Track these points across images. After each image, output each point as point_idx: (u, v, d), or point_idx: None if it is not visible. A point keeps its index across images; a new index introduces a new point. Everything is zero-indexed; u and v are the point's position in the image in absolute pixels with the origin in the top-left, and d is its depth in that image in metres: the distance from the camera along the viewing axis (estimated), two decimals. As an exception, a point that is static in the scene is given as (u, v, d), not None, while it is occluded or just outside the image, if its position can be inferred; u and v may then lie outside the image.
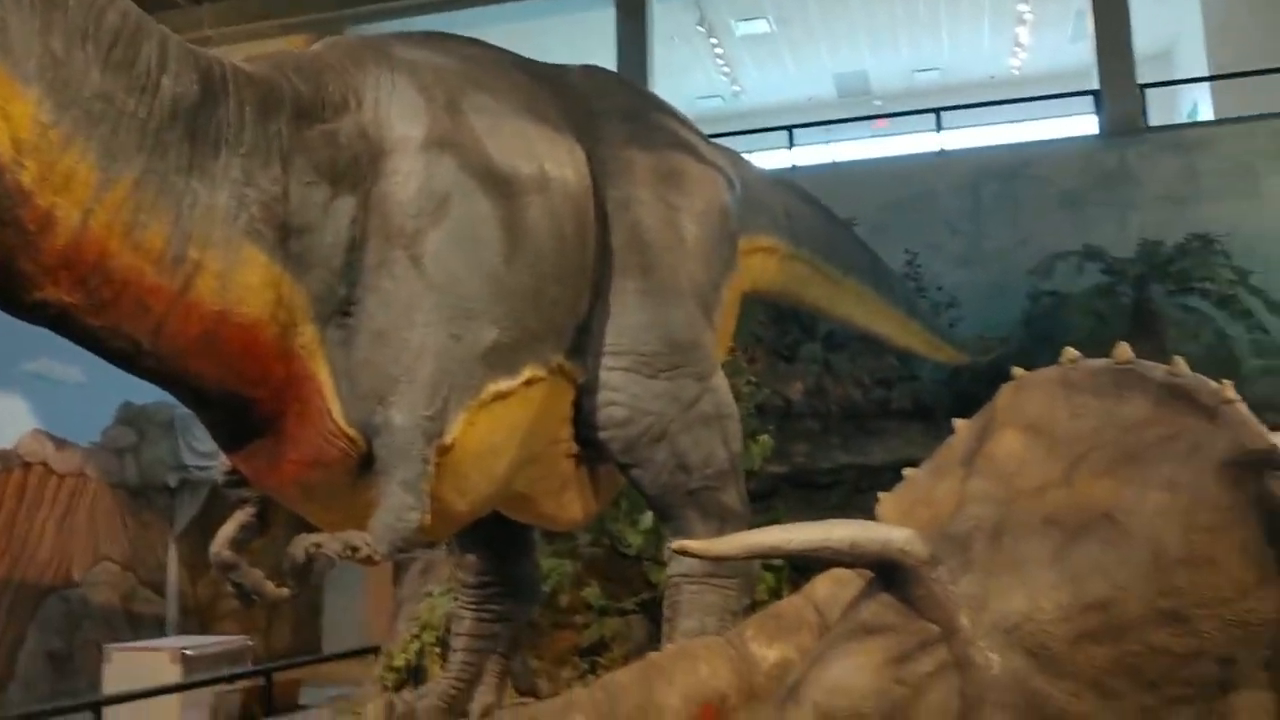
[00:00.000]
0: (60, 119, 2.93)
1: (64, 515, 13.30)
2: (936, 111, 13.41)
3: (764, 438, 8.08)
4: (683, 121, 5.18)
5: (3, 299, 3.04)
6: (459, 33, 4.52)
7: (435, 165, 3.77)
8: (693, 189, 4.79)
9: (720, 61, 17.62)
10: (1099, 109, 12.51)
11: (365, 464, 3.65)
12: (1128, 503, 2.46)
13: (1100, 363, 2.80)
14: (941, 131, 13.59)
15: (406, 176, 3.72)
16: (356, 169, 3.68)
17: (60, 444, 13.74)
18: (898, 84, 18.69)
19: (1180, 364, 2.64)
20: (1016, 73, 17.91)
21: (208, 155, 3.33)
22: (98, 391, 12.32)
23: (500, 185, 3.91)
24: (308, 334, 3.55)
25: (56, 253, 2.96)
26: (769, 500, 9.97)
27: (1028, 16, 16.01)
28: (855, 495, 10.59)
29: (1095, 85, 12.62)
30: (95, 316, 3.12)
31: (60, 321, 3.13)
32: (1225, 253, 11.28)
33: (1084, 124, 13.13)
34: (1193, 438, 2.47)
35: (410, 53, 4.09)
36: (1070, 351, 2.92)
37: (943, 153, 13.24)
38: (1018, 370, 3.05)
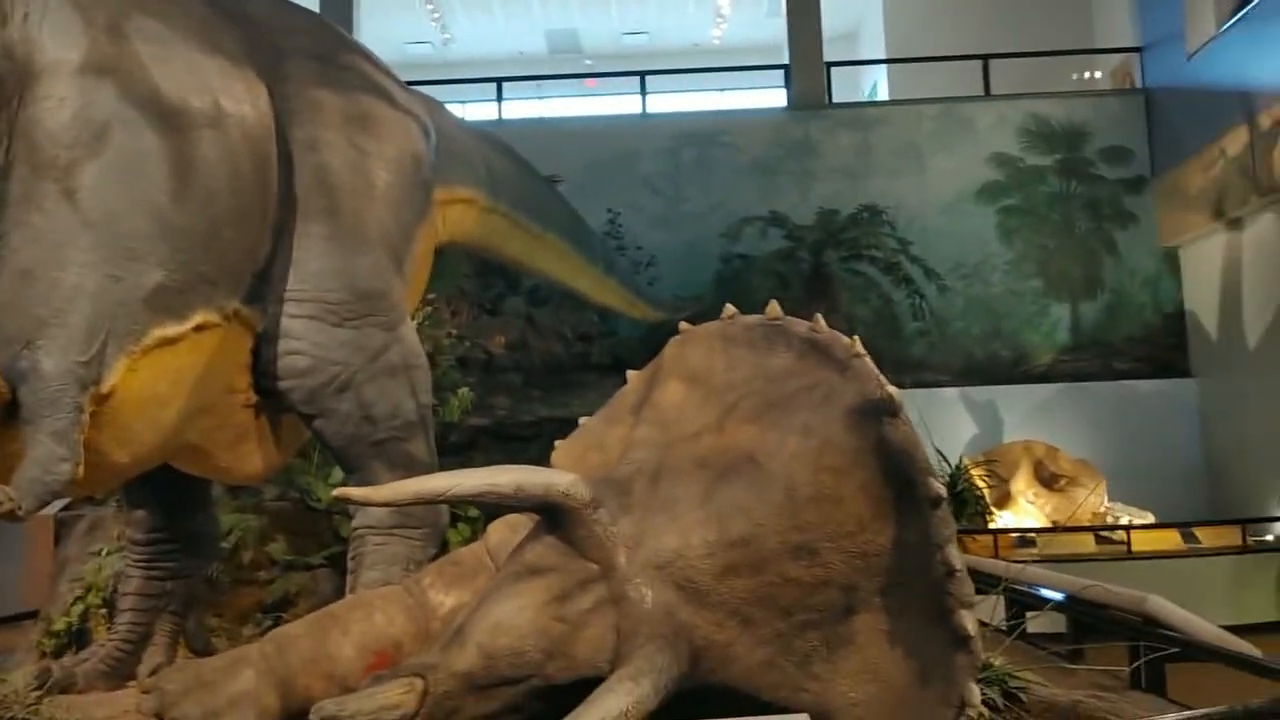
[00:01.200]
0: None
1: None
2: (642, 75, 13.77)
3: (464, 390, 8.07)
4: (377, 65, 5.04)
5: None
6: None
7: (93, 92, 3.49)
8: (385, 134, 4.68)
9: (430, 7, 17.26)
10: (788, 84, 13.27)
11: (9, 413, 3.37)
12: (769, 447, 2.68)
13: (754, 319, 3.02)
14: (647, 95, 13.97)
15: (60, 103, 3.42)
16: (1, 92, 3.36)
17: None
18: (607, 45, 19.02)
19: (820, 321, 2.89)
20: (718, 43, 18.66)
21: None
22: None
23: (168, 118, 3.67)
24: (-61, 270, 3.22)
25: None
26: (468, 453, 10.04)
27: (729, -12, 16.71)
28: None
29: (786, 60, 13.36)
30: None
31: None
32: (891, 224, 12.34)
33: (776, 97, 13.92)
34: (826, 388, 2.72)
35: (69, -32, 3.74)
36: (729, 308, 3.14)
37: (646, 116, 13.64)
38: (684, 325, 3.23)
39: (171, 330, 3.69)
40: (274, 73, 4.30)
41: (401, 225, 4.68)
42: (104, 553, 6.14)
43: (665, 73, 14.93)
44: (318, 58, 4.61)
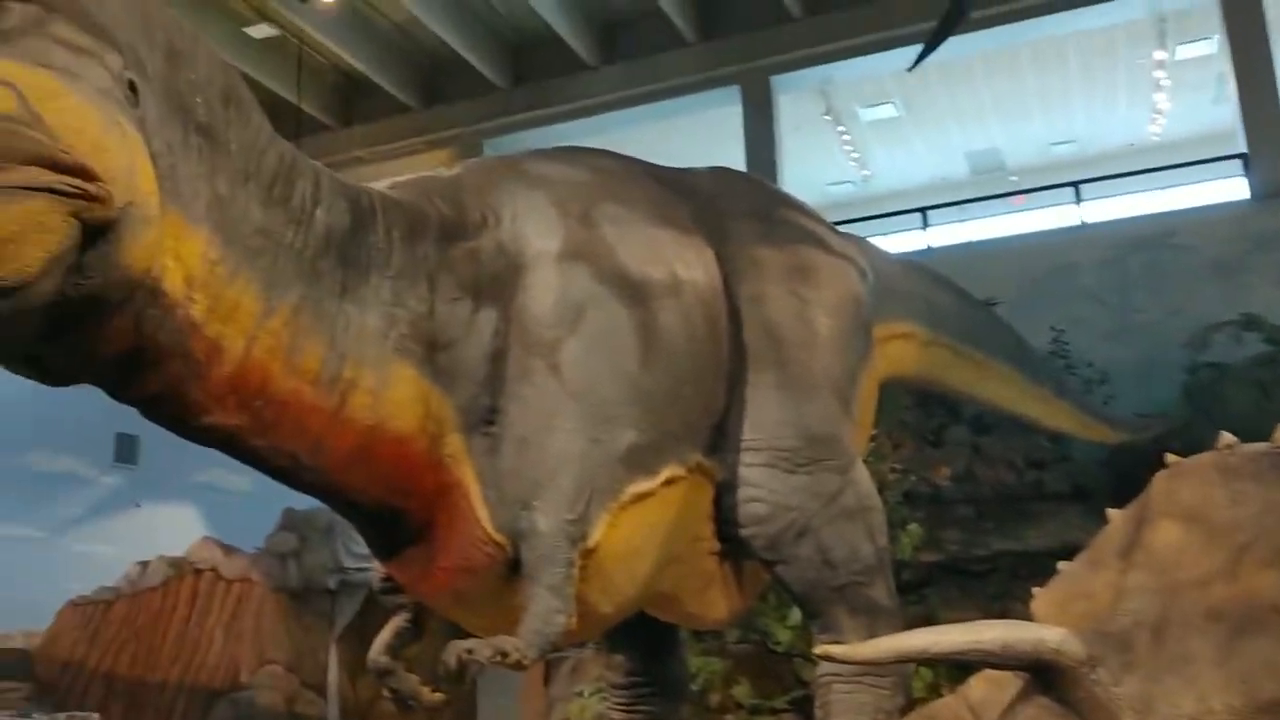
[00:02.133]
0: (226, 254, 3.10)
1: (231, 619, 13.82)
2: (1076, 185, 13.14)
3: (913, 526, 7.90)
4: (811, 215, 5.22)
5: (174, 424, 3.23)
6: (591, 139, 4.69)
7: (571, 276, 3.90)
8: (823, 281, 4.81)
9: (849, 148, 17.71)
10: (1248, 172, 12.06)
11: (512, 569, 3.72)
12: (1299, 596, 2.34)
13: (1259, 447, 2.70)
14: (1081, 204, 13.30)
15: (544, 289, 3.85)
16: (497, 284, 3.83)
17: (228, 550, 14.37)
18: (1033, 158, 18.43)
19: (1347, 445, 2.51)
20: (1156, 139, 17.44)
21: (359, 279, 3.50)
22: (262, 499, 12.85)
23: (633, 291, 4.01)
24: (455, 444, 3.66)
25: (224, 380, 3.12)
26: (922, 590, 9.69)
27: (1165, 82, 15.65)
28: (1013, 582, 10.13)
29: (1241, 148, 12.19)
30: (259, 437, 3.29)
31: (227, 443, 3.30)
32: (1403, 314, 10.61)
33: (1232, 188, 12.67)
34: (1366, 525, 2.34)
35: (543, 168, 4.26)
36: (1226, 436, 2.82)
37: (1083, 225, 12.96)
38: (1171, 457, 2.95)
39: (644, 485, 3.94)
40: (719, 236, 4.59)
41: (846, 368, 4.73)
42: (586, 693, 6.56)
43: (1102, 179, 14.13)
44: (756, 216, 4.87)
